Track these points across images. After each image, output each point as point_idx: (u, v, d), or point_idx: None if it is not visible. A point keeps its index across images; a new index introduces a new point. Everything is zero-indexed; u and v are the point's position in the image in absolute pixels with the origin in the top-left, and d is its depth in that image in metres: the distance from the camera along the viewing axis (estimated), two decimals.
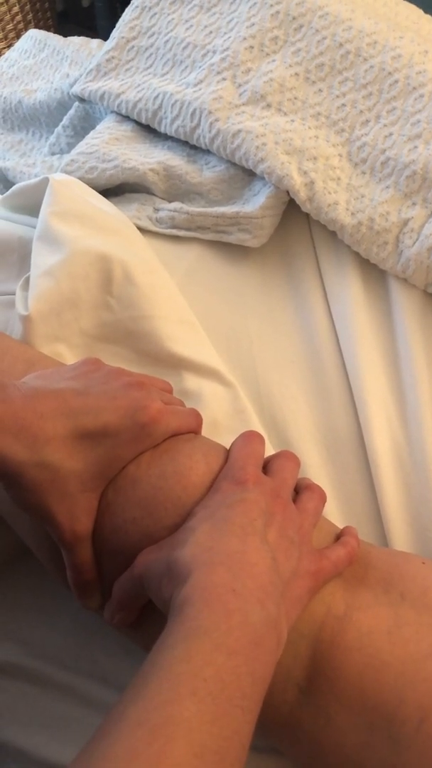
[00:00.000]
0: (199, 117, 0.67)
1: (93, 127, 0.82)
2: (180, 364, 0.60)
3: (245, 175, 0.68)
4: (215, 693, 0.33)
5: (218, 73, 0.68)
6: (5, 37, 2.06)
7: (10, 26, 2.07)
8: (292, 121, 0.66)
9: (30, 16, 2.10)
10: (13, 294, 0.63)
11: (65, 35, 1.07)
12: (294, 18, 0.68)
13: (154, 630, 0.46)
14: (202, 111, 0.67)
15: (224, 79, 0.68)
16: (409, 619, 0.45)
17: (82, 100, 0.79)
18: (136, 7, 0.76)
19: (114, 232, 0.63)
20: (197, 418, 0.51)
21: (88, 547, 0.46)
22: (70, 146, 0.84)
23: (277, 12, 0.68)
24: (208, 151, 0.70)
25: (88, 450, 0.45)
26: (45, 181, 0.63)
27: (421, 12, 0.76)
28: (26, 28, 2.10)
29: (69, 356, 0.59)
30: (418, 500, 0.57)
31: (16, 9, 2.03)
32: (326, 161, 0.64)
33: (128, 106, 0.73)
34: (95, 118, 0.82)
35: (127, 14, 0.77)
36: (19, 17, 2.06)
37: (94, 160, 0.70)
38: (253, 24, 0.69)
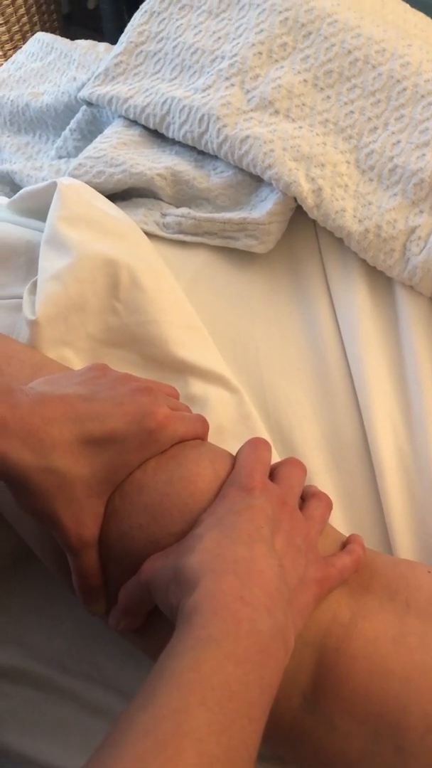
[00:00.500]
0: (207, 122, 0.68)
1: (100, 131, 0.82)
2: (186, 369, 0.60)
3: (253, 180, 0.68)
4: (223, 702, 0.33)
5: (227, 78, 0.68)
6: (11, 39, 2.07)
7: (15, 28, 2.07)
8: (300, 127, 0.66)
9: (36, 18, 2.10)
10: (20, 297, 0.63)
11: (71, 37, 1.07)
12: (303, 25, 0.68)
13: (159, 636, 0.46)
14: (211, 117, 0.67)
15: (232, 84, 0.68)
16: (414, 628, 0.45)
17: (89, 104, 0.79)
18: (145, 12, 0.76)
19: (121, 236, 0.63)
20: (204, 424, 0.51)
21: (94, 553, 0.46)
22: (77, 150, 0.84)
23: (286, 18, 0.68)
24: (215, 157, 0.70)
25: (95, 455, 0.45)
26: (53, 185, 0.63)
27: (429, 20, 0.76)
28: (32, 30, 2.11)
29: (75, 360, 0.59)
30: (422, 508, 0.57)
31: (22, 11, 2.04)
32: (334, 168, 0.64)
33: (136, 111, 0.73)
34: (102, 121, 0.82)
35: (136, 19, 0.77)
36: (24, 19, 2.07)
37: (101, 165, 0.70)
38: (262, 30, 0.69)
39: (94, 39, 1.11)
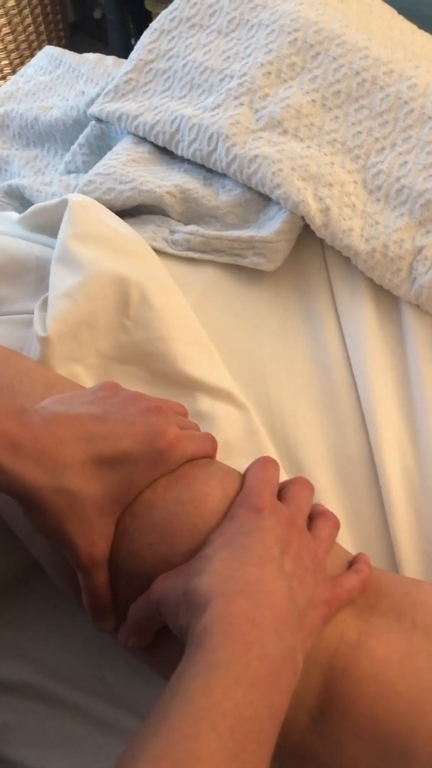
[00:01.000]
0: (216, 141, 0.68)
1: (109, 146, 0.83)
2: (194, 386, 0.61)
3: (261, 199, 0.68)
4: (234, 728, 0.34)
5: (236, 98, 0.69)
6: (17, 48, 2.08)
7: (22, 37, 2.08)
8: (309, 147, 0.66)
9: (42, 27, 2.12)
10: (30, 313, 0.63)
11: (76, 46, 1.08)
12: (311, 45, 0.69)
13: (167, 653, 0.46)
14: (220, 135, 0.68)
15: (242, 104, 0.69)
16: (421, 648, 0.45)
17: (99, 120, 0.80)
18: (155, 30, 0.77)
19: (131, 254, 0.64)
20: (213, 443, 0.51)
21: (105, 571, 0.46)
22: (86, 164, 0.84)
23: (295, 39, 0.69)
24: (223, 175, 0.71)
25: (107, 475, 0.45)
26: (64, 203, 0.64)
27: None
28: (38, 39, 2.12)
29: (85, 377, 0.60)
30: (429, 526, 0.57)
31: (28, 20, 2.05)
32: (342, 188, 0.65)
33: (145, 128, 0.74)
34: (111, 137, 0.83)
35: (146, 37, 0.78)
36: (31, 28, 2.08)
37: (111, 182, 0.71)
38: (271, 50, 0.70)
39: (100, 48, 1.13)
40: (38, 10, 2.06)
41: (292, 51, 0.69)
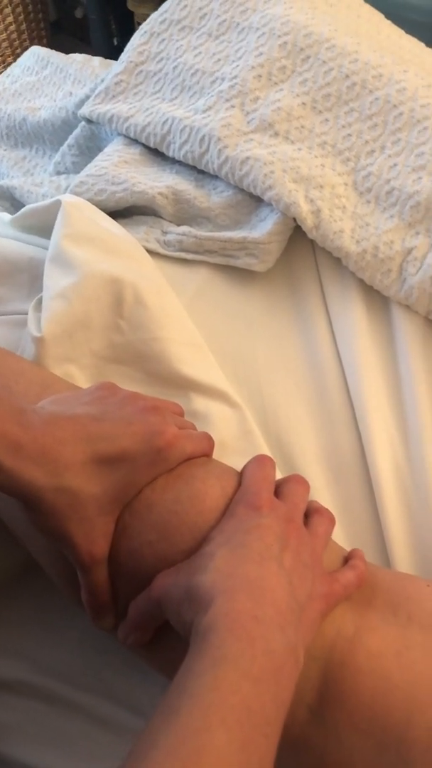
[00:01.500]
0: (208, 143, 0.69)
1: (99, 147, 0.83)
2: (188, 386, 0.61)
3: (252, 200, 0.69)
4: (242, 721, 0.34)
5: (227, 100, 0.70)
6: None
7: (3, 36, 2.07)
8: (299, 149, 0.67)
9: (24, 26, 2.11)
10: (23, 313, 0.64)
11: (58, 45, 1.08)
12: (302, 49, 0.70)
13: (166, 651, 0.47)
14: (211, 137, 0.69)
15: (233, 106, 0.70)
16: (416, 641, 0.46)
17: (89, 121, 0.80)
18: (145, 32, 0.78)
19: (124, 254, 0.64)
20: (210, 442, 0.52)
21: (104, 570, 0.47)
22: (75, 165, 0.85)
23: (285, 42, 0.70)
24: (215, 176, 0.71)
25: (106, 475, 0.46)
26: (57, 203, 0.64)
27: (423, 45, 0.78)
28: (20, 38, 2.11)
29: (80, 377, 0.60)
30: (420, 523, 0.58)
31: (10, 19, 2.04)
32: (332, 190, 0.66)
33: (137, 130, 0.74)
34: (101, 138, 0.83)
35: (136, 39, 0.78)
36: (12, 27, 2.07)
37: (103, 183, 0.71)
38: (261, 53, 0.70)
39: (82, 47, 1.13)
40: (20, 9, 2.05)
41: (283, 54, 0.70)
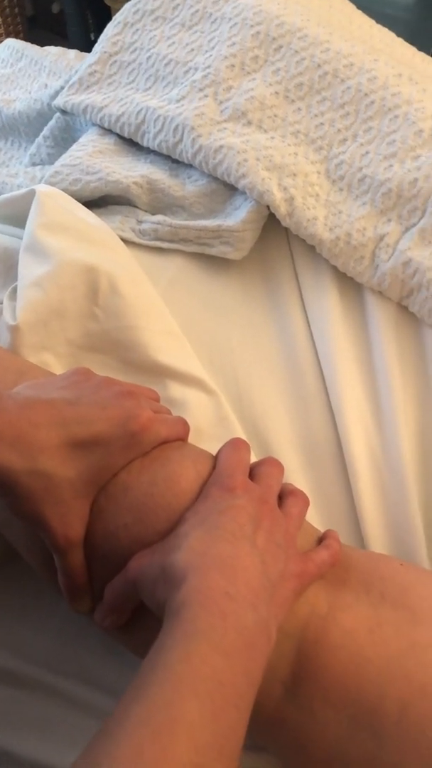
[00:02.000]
0: (182, 132, 0.69)
1: (74, 138, 0.83)
2: (164, 373, 0.62)
3: (227, 189, 0.70)
4: (213, 693, 0.35)
5: (200, 90, 0.70)
6: None
7: None
8: (273, 138, 0.68)
9: None
10: None
11: (35, 40, 1.08)
12: (274, 39, 0.70)
13: (142, 632, 0.47)
14: (185, 127, 0.69)
15: (206, 96, 0.70)
16: (389, 618, 0.47)
17: (64, 112, 0.80)
18: (119, 23, 0.78)
19: (99, 243, 0.64)
20: (185, 426, 0.53)
21: (80, 553, 0.47)
22: (51, 157, 0.85)
23: (258, 32, 0.71)
24: (189, 166, 0.72)
25: (81, 458, 0.46)
26: (31, 193, 0.65)
27: (393, 35, 0.79)
28: None
29: (56, 365, 0.61)
30: (393, 504, 0.59)
31: None
32: (305, 178, 0.66)
33: (111, 120, 0.74)
34: (76, 129, 0.83)
35: (109, 29, 0.78)
36: None
37: (78, 173, 0.71)
38: (234, 43, 0.71)
39: (59, 42, 1.12)
40: None
41: (255, 44, 0.71)
